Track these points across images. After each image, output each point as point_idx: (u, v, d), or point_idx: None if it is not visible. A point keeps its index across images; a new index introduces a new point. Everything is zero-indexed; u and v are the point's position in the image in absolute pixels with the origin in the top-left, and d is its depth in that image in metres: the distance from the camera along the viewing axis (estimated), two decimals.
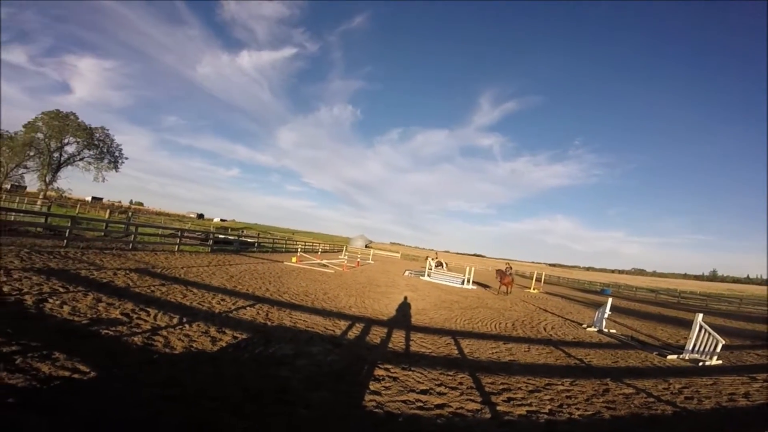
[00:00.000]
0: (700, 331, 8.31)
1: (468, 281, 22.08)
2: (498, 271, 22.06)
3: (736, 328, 16.08)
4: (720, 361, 8.03)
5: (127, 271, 9.67)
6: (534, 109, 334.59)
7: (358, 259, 33.23)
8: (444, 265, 30.91)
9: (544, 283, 37.96)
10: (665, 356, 8.38)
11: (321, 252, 37.86)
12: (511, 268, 22.20)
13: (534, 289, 27.91)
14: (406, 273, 26.75)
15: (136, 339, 4.83)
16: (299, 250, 29.45)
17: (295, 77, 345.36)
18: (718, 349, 7.94)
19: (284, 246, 34.72)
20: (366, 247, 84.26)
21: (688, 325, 9.14)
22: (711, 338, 8.06)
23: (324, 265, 22.05)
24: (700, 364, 7.84)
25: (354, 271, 22.49)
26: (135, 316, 5.83)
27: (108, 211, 37.49)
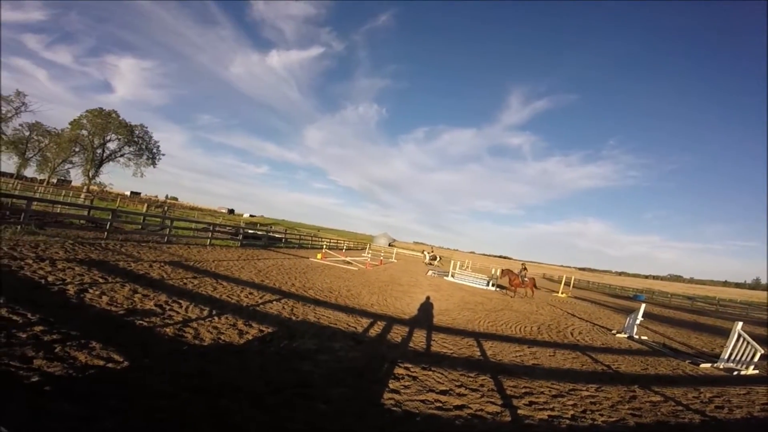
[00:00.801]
0: (737, 339, 8.01)
1: (493, 283, 21.81)
2: (505, 270, 21.16)
3: None
4: (757, 371, 7.72)
5: (162, 264, 10.04)
6: (567, 108, 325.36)
7: (381, 258, 33.35)
8: (438, 258, 30.99)
9: (573, 287, 36.98)
10: (698, 365, 8.11)
11: (345, 249, 38.24)
12: (526, 269, 21.00)
13: (562, 293, 27.19)
14: (429, 273, 26.64)
15: (168, 330, 5.02)
16: (324, 246, 29.86)
17: (323, 76, 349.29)
18: (756, 359, 7.65)
19: (310, 242, 35.23)
20: (389, 245, 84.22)
21: (725, 333, 8.73)
22: (749, 347, 7.76)
23: (348, 263, 22.26)
24: (735, 373, 7.57)
25: (377, 269, 22.61)
26: (168, 307, 6.06)
27: (145, 205, 39.06)
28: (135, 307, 5.75)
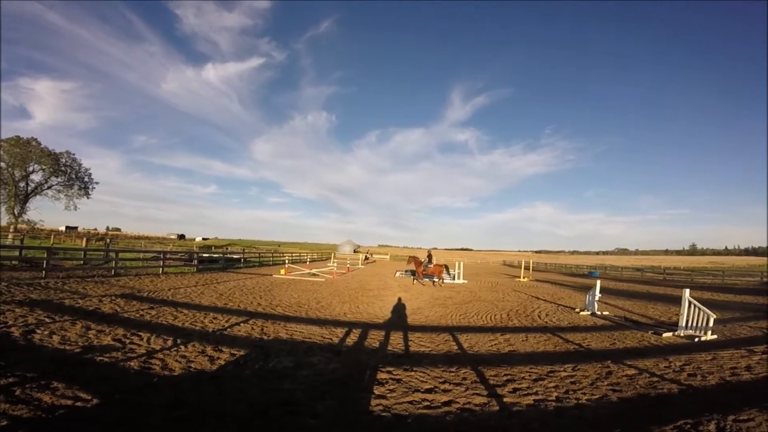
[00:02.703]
0: (690, 306, 8.32)
1: (458, 276, 22.25)
2: (410, 258, 21.82)
3: (724, 300, 16.28)
4: (715, 336, 8.04)
5: (113, 297, 9.47)
6: (504, 102, 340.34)
7: (348, 265, 33.08)
8: (369, 257, 32.33)
9: (532, 270, 38.42)
10: (661, 334, 8.37)
11: (309, 261, 37.61)
12: (430, 257, 21.77)
13: (523, 277, 28.18)
14: (398, 274, 26.74)
15: (132, 363, 4.77)
16: (287, 261, 29.20)
17: (265, 87, 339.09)
18: (711, 324, 7.93)
19: (271, 259, 34.30)
20: (354, 252, 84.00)
21: (677, 301, 9.21)
22: (702, 313, 8.05)
23: (314, 275, 21.88)
24: (696, 339, 7.81)
25: (345, 277, 22.37)
26: (128, 341, 5.75)
27: (84, 239, 36.47)
28: (91, 344, 5.43)
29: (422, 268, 20.60)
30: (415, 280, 20.87)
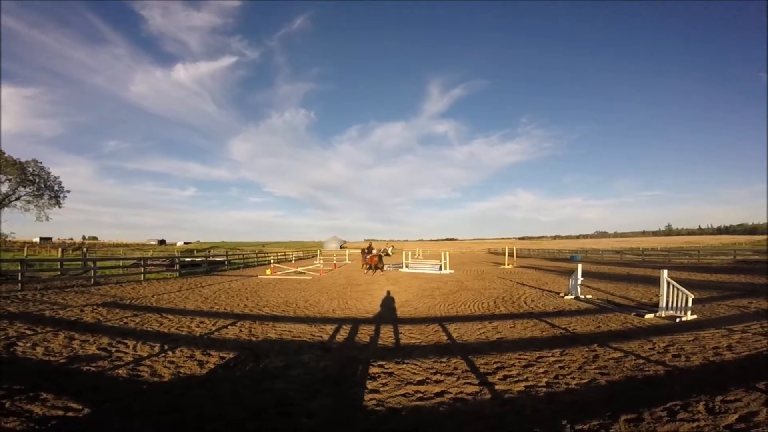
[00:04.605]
0: (668, 287, 8.45)
1: (445, 266, 22.42)
2: (362, 251, 24.28)
3: (700, 280, 16.55)
4: (695, 316, 8.18)
5: (95, 307, 9.29)
6: (480, 93, 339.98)
7: (335, 262, 32.95)
8: (388, 251, 33.68)
9: (516, 257, 38.87)
10: (643, 316, 8.49)
11: (295, 260, 37.35)
12: (370, 248, 23.90)
13: (508, 264, 28.53)
14: (385, 267, 26.76)
15: (120, 371, 4.74)
16: (272, 261, 28.94)
17: (239, 86, 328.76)
18: (690, 304, 8.05)
19: (256, 260, 33.94)
20: (341, 248, 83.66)
21: (656, 282, 9.31)
22: (681, 294, 8.17)
23: (300, 273, 21.77)
24: (677, 320, 7.92)
25: (332, 273, 22.29)
26: (113, 349, 5.71)
27: (60, 249, 35.40)
28: (77, 354, 5.41)
29: (363, 258, 23.07)
30: (367, 270, 22.96)
